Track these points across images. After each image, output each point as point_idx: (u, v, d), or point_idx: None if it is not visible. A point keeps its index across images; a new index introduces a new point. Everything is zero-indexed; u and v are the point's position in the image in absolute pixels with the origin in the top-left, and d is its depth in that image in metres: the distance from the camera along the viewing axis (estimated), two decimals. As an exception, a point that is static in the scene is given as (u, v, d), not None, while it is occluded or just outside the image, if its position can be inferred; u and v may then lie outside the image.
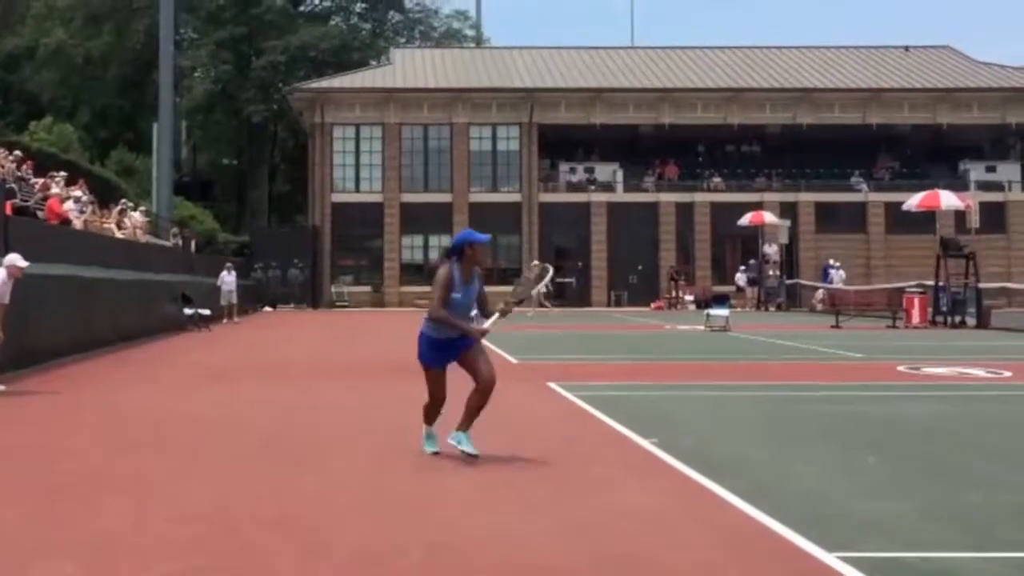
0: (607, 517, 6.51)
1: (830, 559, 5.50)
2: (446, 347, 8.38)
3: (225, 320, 32.76)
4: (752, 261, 47.16)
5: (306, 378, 15.43)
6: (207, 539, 5.97)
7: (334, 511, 6.70)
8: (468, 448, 8.33)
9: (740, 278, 49.45)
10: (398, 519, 6.45)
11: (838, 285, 43.05)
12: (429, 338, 8.42)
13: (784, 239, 46.76)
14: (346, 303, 50.13)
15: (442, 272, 8.30)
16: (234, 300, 33.87)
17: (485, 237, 8.64)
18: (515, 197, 52.81)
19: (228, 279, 33.47)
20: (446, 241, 51.50)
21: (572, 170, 54.19)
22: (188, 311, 28.51)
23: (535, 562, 5.52)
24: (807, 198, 52.87)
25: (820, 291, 45.34)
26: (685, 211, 52.60)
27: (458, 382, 8.57)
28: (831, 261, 47.44)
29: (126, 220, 30.48)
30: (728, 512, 6.68)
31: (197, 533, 6.09)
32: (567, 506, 6.82)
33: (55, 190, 25.94)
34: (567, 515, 6.56)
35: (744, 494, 7.01)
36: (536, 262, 11.24)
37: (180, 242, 38.04)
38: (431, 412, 8.70)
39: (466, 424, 8.39)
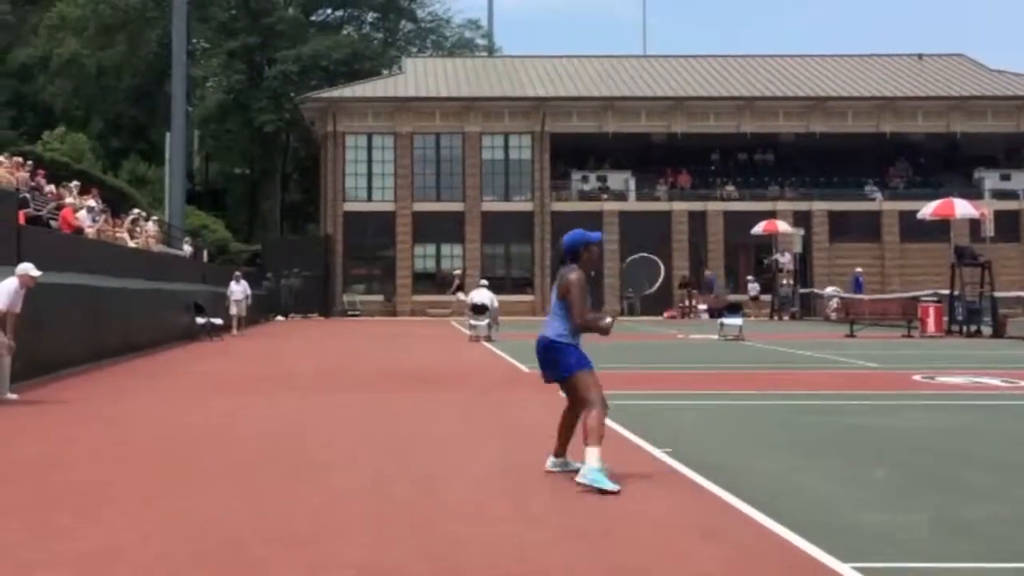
0: (619, 527, 6.45)
1: (844, 569, 5.45)
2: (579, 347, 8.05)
3: (234, 331, 31.90)
4: (769, 258, 46.71)
5: (314, 390, 15.39)
6: (211, 552, 5.91)
7: (338, 524, 6.64)
8: (578, 467, 7.81)
9: (753, 288, 49.43)
10: (403, 532, 6.39)
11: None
12: (571, 345, 7.96)
13: (798, 248, 46.64)
14: (358, 312, 50.12)
15: (576, 276, 7.86)
16: (242, 312, 33.16)
17: (598, 235, 8.37)
18: (527, 206, 52.78)
19: (236, 289, 32.88)
20: (458, 251, 51.83)
21: (584, 179, 54.13)
22: (200, 321, 28.53)
23: (544, 572, 5.47)
24: (820, 207, 52.72)
25: (834, 300, 45.20)
26: (698, 220, 52.49)
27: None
28: (859, 270, 47.15)
29: (138, 230, 30.54)
30: (740, 522, 6.62)
31: (201, 546, 6.04)
32: (577, 516, 6.76)
33: (69, 200, 25.99)
34: (576, 525, 6.50)
35: (756, 504, 6.95)
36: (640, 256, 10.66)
37: (193, 251, 38.09)
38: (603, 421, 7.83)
39: (566, 445, 8.17)
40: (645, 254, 9.81)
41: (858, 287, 45.48)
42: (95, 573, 5.49)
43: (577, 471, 7.69)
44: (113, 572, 5.51)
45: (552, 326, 7.99)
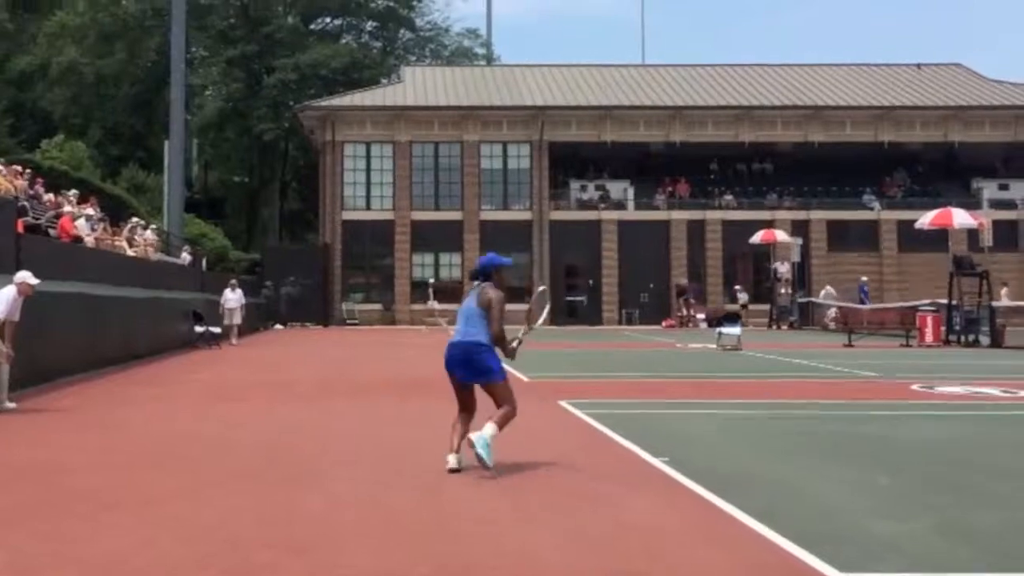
0: (617, 535, 6.47)
1: (843, 579, 5.45)
2: None
3: (233, 340, 31.05)
4: (778, 265, 46.70)
5: (313, 397, 15.40)
6: (213, 558, 5.93)
7: (341, 530, 6.66)
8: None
9: (742, 296, 49.56)
10: (406, 537, 6.40)
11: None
12: (492, 350, 8.82)
13: (796, 257, 46.71)
14: (356, 321, 50.12)
15: (496, 294, 8.80)
16: (237, 320, 31.92)
17: (508, 260, 9.39)
18: (526, 215, 52.80)
19: (231, 297, 31.82)
20: (456, 260, 51.84)
21: (583, 188, 54.17)
22: (199, 329, 28.53)
23: (544, 581, 5.47)
24: (819, 216, 52.75)
25: (832, 310, 45.24)
26: (696, 229, 52.51)
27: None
28: (864, 279, 47.09)
29: (137, 238, 30.52)
30: (740, 530, 6.63)
31: (203, 552, 6.05)
32: (577, 524, 6.77)
33: (68, 208, 26.00)
34: (577, 533, 6.52)
35: (756, 512, 6.96)
36: (543, 287, 11.67)
37: (192, 259, 38.07)
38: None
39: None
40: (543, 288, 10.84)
41: (865, 296, 45.46)
42: (98, 579, 5.49)
43: (483, 463, 8.47)
44: (116, 578, 5.52)
45: (477, 332, 8.75)
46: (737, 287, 50.49)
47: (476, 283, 8.98)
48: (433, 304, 45.04)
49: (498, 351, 8.84)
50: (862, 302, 43.67)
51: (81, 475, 8.70)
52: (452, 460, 8.66)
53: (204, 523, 6.82)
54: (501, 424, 8.64)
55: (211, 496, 7.74)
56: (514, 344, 8.98)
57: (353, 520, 6.93)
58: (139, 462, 9.40)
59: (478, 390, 8.95)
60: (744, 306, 48.65)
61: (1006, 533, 6.61)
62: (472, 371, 8.76)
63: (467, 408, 8.95)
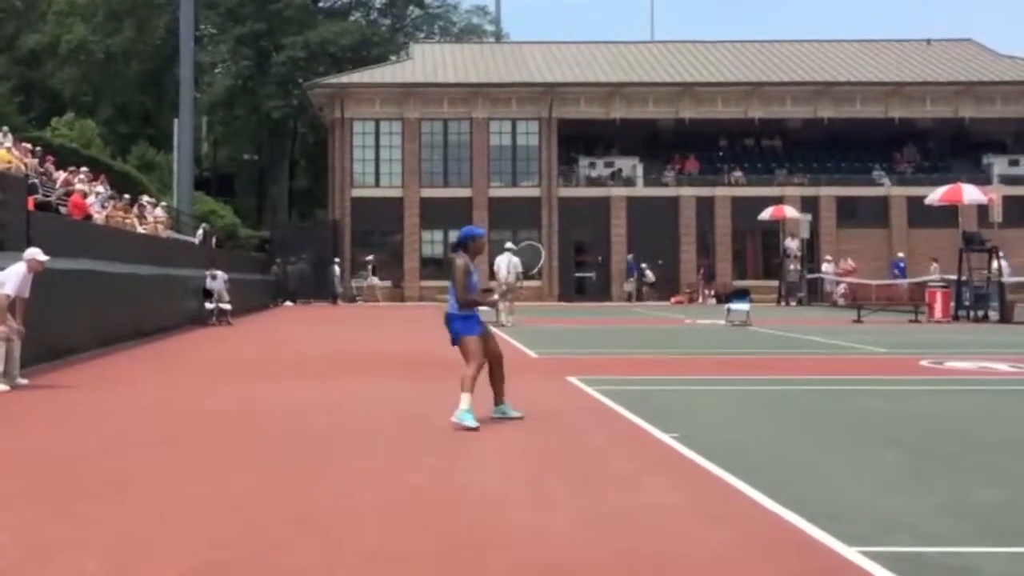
0: (628, 512, 6.50)
1: (851, 553, 5.49)
2: (474, 317, 10.09)
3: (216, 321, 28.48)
4: (788, 241, 46.58)
5: (326, 374, 15.44)
6: (227, 535, 5.98)
7: (354, 508, 6.71)
8: (514, 413, 10.18)
9: (648, 275, 50.48)
10: (418, 516, 6.45)
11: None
12: (459, 316, 9.98)
13: (805, 233, 46.58)
14: (365, 298, 50.11)
15: (461, 261, 9.94)
16: (224, 301, 29.23)
17: (483, 231, 10.95)
18: (534, 192, 52.73)
19: (216, 284, 29.13)
20: (466, 236, 51.87)
21: (592, 165, 54.04)
22: (209, 306, 28.57)
23: (556, 558, 5.52)
24: (828, 192, 52.56)
25: (842, 286, 45.20)
26: (705, 206, 52.38)
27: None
28: (900, 255, 46.89)
29: (147, 215, 30.58)
30: (749, 507, 6.67)
31: (217, 529, 6.11)
32: (587, 501, 6.82)
33: (79, 186, 26.06)
34: (587, 510, 6.56)
35: (765, 489, 7.00)
36: (530, 243, 13.99)
37: (203, 236, 38.13)
38: (476, 377, 9.84)
39: (501, 396, 10.24)
40: (531, 242, 13.12)
41: (900, 272, 45.25)
42: (118, 556, 5.56)
43: (515, 418, 10.10)
44: (132, 555, 5.58)
45: (450, 302, 10.13)
46: (644, 264, 50.72)
47: (453, 253, 10.28)
48: (373, 280, 46.50)
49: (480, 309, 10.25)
50: (896, 279, 43.46)
51: (94, 454, 8.75)
52: (493, 411, 10.20)
53: (218, 502, 6.87)
54: (469, 387, 9.69)
55: (224, 475, 7.79)
56: (494, 297, 10.67)
57: (367, 498, 6.97)
58: (152, 440, 9.45)
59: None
60: (650, 284, 49.52)
61: (1013, 508, 6.64)
62: (451, 337, 10.12)
63: (492, 365, 10.15)
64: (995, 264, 31.54)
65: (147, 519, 6.37)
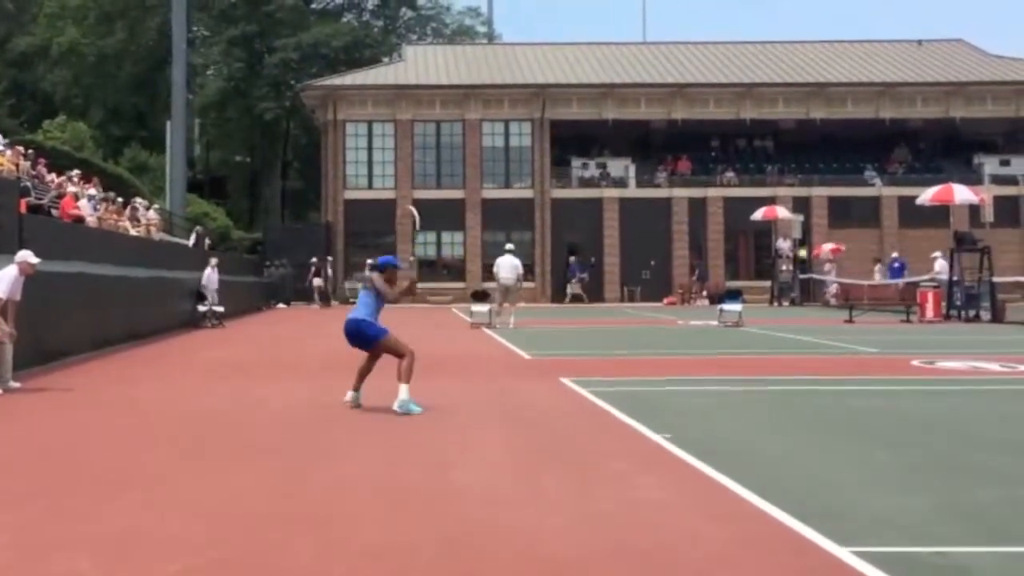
0: (620, 512, 6.53)
1: (843, 553, 5.52)
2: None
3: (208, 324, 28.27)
4: (780, 242, 46.57)
5: (320, 374, 15.44)
6: (223, 534, 6.00)
7: (349, 507, 6.74)
8: (360, 400, 11.40)
9: (577, 280, 50.47)
10: (413, 515, 6.47)
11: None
12: (370, 322, 11.18)
13: (797, 234, 46.66)
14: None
15: (379, 276, 11.33)
16: (215, 303, 29.05)
17: (402, 264, 12.63)
18: (527, 193, 52.78)
19: (213, 277, 29.34)
20: (459, 238, 52.01)
21: (584, 166, 54.11)
22: (202, 308, 28.54)
23: (550, 556, 5.55)
24: (820, 193, 52.70)
25: (833, 286, 45.27)
26: (698, 206, 52.49)
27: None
28: (895, 255, 47.00)
29: (140, 218, 30.54)
30: (741, 506, 6.70)
31: (213, 528, 6.13)
32: (581, 500, 6.84)
33: (71, 189, 26.04)
34: (581, 509, 6.59)
35: (757, 488, 7.03)
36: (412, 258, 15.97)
37: (196, 239, 38.07)
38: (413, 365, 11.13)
39: (359, 385, 11.49)
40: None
41: (900, 271, 45.16)
42: (113, 555, 5.58)
43: (360, 406, 11.22)
44: (130, 554, 5.60)
45: (360, 311, 11.17)
46: (577, 266, 51.01)
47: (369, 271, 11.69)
48: (317, 282, 46.71)
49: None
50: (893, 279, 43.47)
51: (89, 454, 8.77)
52: (349, 396, 11.40)
53: (214, 501, 6.89)
54: (406, 377, 10.77)
55: (220, 474, 7.81)
56: (407, 284, 11.96)
57: (364, 498, 7.00)
58: (147, 440, 9.47)
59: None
60: (578, 296, 49.45)
61: (1005, 508, 6.67)
62: (361, 340, 11.18)
63: (370, 358, 11.43)
64: (936, 265, 32.13)
65: (143, 518, 6.39)
